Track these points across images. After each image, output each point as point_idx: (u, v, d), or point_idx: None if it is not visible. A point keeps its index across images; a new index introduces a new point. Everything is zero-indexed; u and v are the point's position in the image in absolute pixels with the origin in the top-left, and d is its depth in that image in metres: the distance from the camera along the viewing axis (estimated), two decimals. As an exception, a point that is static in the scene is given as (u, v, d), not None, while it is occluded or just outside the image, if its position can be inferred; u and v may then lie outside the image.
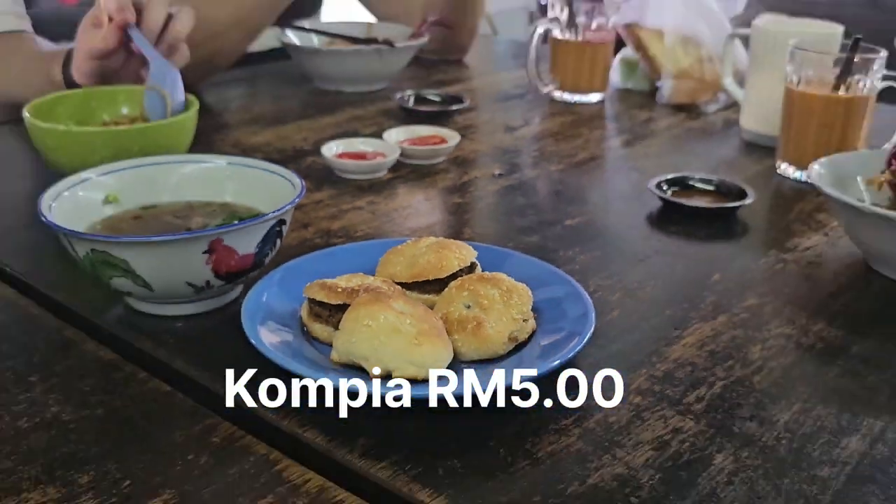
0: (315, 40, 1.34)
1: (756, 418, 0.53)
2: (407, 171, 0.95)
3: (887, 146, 0.87)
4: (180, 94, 0.90)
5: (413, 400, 0.51)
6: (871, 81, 0.91)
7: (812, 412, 0.54)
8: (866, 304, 0.69)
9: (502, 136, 1.10)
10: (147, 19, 0.90)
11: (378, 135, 1.01)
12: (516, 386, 0.51)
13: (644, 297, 0.69)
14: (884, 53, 0.91)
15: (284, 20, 1.35)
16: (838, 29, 1.03)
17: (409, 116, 1.14)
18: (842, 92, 0.91)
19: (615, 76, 1.31)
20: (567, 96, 1.24)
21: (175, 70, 0.90)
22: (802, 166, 0.93)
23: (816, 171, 0.76)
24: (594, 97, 1.24)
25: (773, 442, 0.51)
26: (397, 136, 1.00)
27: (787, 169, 0.96)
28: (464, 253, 0.63)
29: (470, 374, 0.53)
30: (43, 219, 0.61)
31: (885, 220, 0.68)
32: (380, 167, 0.94)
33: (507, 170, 0.97)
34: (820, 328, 0.64)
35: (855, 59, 0.90)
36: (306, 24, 1.40)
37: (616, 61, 1.32)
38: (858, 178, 0.79)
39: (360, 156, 0.94)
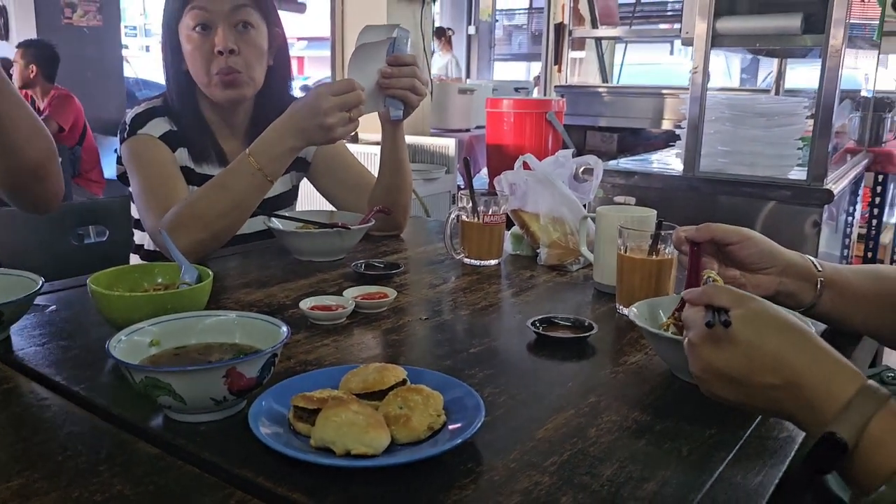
0: (292, 225, 1.42)
1: (589, 474, 0.65)
2: (360, 318, 1.06)
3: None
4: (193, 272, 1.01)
5: (367, 468, 0.62)
6: (671, 248, 1.06)
7: (626, 469, 0.66)
8: (668, 398, 0.82)
9: (427, 291, 1.21)
10: None
11: (339, 292, 1.12)
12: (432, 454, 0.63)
13: (522, 400, 0.80)
14: (676, 228, 1.07)
15: (270, 210, 1.47)
16: (653, 212, 1.20)
17: (361, 278, 1.24)
18: (654, 256, 1.07)
19: (508, 246, 1.46)
20: (473, 261, 1.36)
21: (194, 269, 1.00)
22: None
23: (633, 312, 0.90)
24: (493, 262, 1.36)
25: (599, 488, 0.63)
26: (352, 293, 1.11)
27: (622, 309, 1.09)
28: (398, 373, 0.75)
29: (404, 451, 0.65)
30: (111, 356, 0.71)
31: (673, 342, 0.82)
32: (340, 316, 1.04)
33: (431, 315, 1.08)
34: (636, 415, 0.77)
35: (661, 234, 1.07)
36: (286, 212, 1.52)
37: (508, 235, 1.46)
38: (661, 313, 0.94)
39: (327, 307, 1.04)
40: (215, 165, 1.48)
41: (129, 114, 1.45)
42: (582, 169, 1.55)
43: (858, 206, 2.96)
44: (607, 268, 1.18)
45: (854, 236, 2.97)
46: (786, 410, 0.64)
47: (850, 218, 2.82)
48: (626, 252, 1.08)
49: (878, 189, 3.07)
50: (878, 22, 3.16)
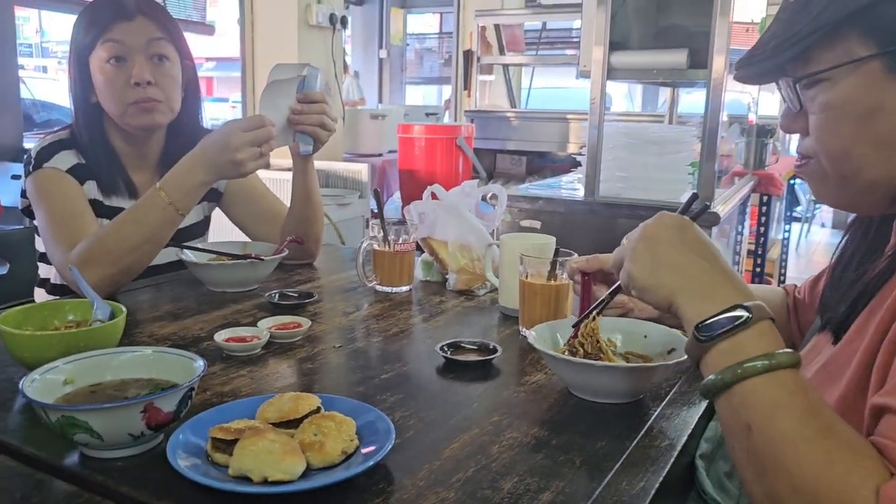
0: (205, 257, 1.44)
1: (491, 488, 0.70)
2: (275, 348, 1.08)
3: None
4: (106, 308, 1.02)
5: (284, 493, 0.65)
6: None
7: (524, 481, 0.72)
8: (565, 414, 0.89)
9: (341, 319, 1.25)
10: None
11: (254, 323, 1.14)
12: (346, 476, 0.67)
13: (430, 421, 0.85)
14: (575, 255, 1.16)
15: (182, 241, 1.48)
16: (552, 239, 1.28)
17: (275, 308, 1.26)
18: (552, 281, 1.15)
19: (419, 272, 1.52)
20: (385, 288, 1.41)
21: (106, 306, 1.01)
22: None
23: (532, 335, 0.97)
24: (404, 288, 1.42)
25: (500, 500, 0.68)
26: (267, 324, 1.14)
27: (524, 331, 1.16)
28: (312, 401, 0.79)
29: (319, 476, 0.69)
30: (25, 396, 0.72)
31: (568, 363, 0.90)
32: (255, 347, 1.06)
33: (345, 343, 1.12)
34: (535, 431, 0.83)
35: (558, 261, 1.15)
36: (198, 243, 1.53)
37: (418, 262, 1.52)
38: (558, 336, 1.01)
39: (242, 339, 1.06)
40: (125, 198, 1.48)
41: (35, 146, 1.43)
42: (490, 195, 1.63)
43: (746, 224, 3.18)
44: (511, 292, 1.25)
45: (744, 252, 3.18)
46: (693, 276, 0.74)
47: (739, 236, 3.02)
48: (527, 278, 1.16)
49: (764, 209, 3.30)
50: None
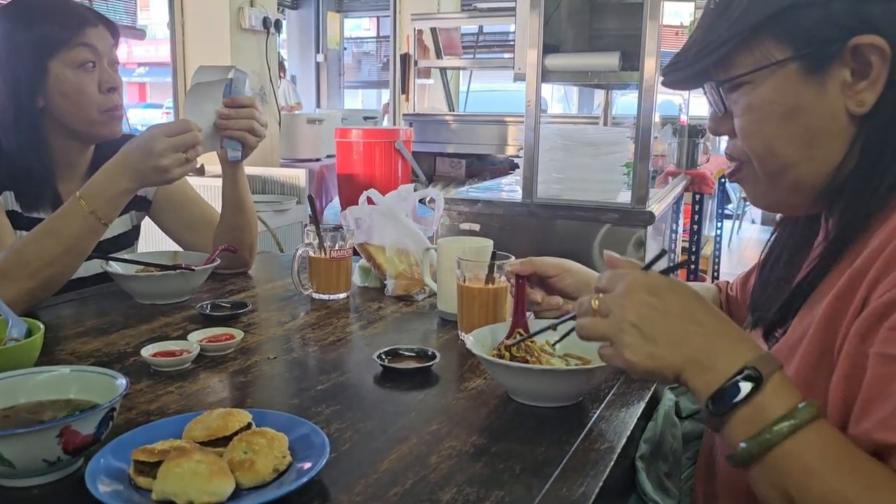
0: (132, 268, 1.38)
1: (429, 500, 0.68)
2: (206, 361, 1.04)
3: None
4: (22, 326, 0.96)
5: (209, 518, 0.62)
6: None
7: (464, 490, 0.70)
8: (504, 420, 0.87)
9: (276, 329, 1.21)
10: None
11: (184, 336, 1.10)
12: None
13: (367, 432, 0.83)
14: (512, 258, 1.15)
15: (109, 252, 1.42)
16: (489, 242, 1.27)
17: (207, 320, 1.22)
18: (490, 284, 1.14)
19: (356, 278, 1.49)
20: (322, 296, 1.38)
21: (22, 323, 0.96)
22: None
23: (470, 340, 0.96)
24: (341, 295, 1.39)
25: (439, 512, 0.67)
26: (197, 336, 1.10)
27: (463, 336, 1.15)
28: (242, 417, 0.75)
29: (250, 496, 0.66)
30: (-72, 426, 0.67)
31: (506, 367, 0.88)
32: (185, 361, 1.02)
33: (280, 354, 1.09)
34: (475, 439, 0.81)
35: (495, 264, 1.14)
36: (125, 254, 1.47)
37: (356, 268, 1.50)
38: (498, 339, 1.00)
39: (171, 353, 1.02)
40: (48, 209, 1.41)
41: (-55, 156, 1.35)
42: (428, 198, 1.61)
43: (681, 223, 3.24)
44: (450, 297, 1.23)
45: (678, 250, 3.24)
46: (692, 346, 0.68)
47: (673, 234, 3.08)
48: (464, 282, 1.14)
49: (697, 207, 3.38)
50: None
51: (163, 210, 1.61)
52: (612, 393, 0.95)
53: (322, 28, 8.93)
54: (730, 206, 6.58)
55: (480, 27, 6.73)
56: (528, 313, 1.04)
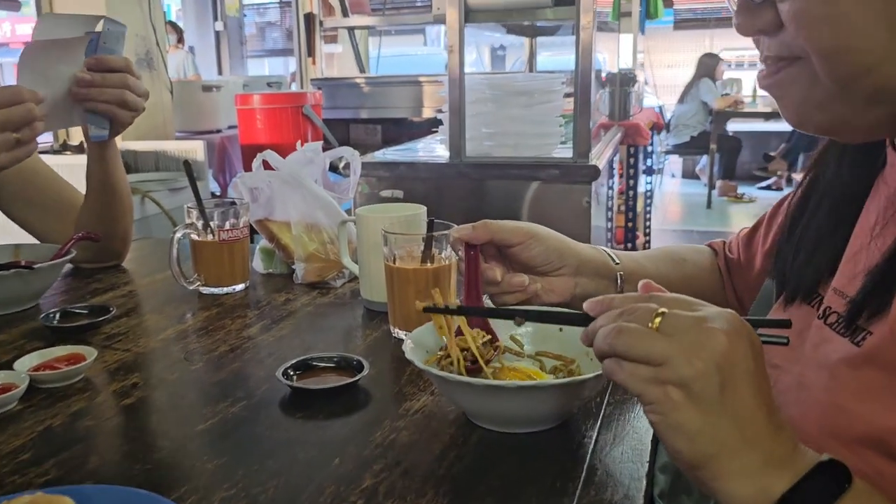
0: None
1: None
2: (40, 398, 0.74)
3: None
4: None
5: None
6: (449, 251, 0.87)
7: None
8: (472, 459, 0.60)
9: (147, 341, 0.91)
10: None
11: (10, 364, 0.79)
12: None
13: (264, 499, 0.56)
14: (454, 227, 0.88)
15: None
16: (422, 209, 1.00)
17: (54, 335, 0.92)
18: (428, 263, 0.87)
19: (257, 264, 1.20)
20: (213, 290, 1.08)
21: None
22: (410, 328, 0.86)
23: (409, 347, 0.69)
24: (238, 287, 1.10)
25: None
26: (31, 363, 0.79)
27: (398, 332, 0.88)
28: (53, 512, 0.47)
29: None
30: None
31: (469, 387, 0.62)
32: (9, 400, 0.73)
33: (145, 379, 0.80)
34: (429, 497, 0.55)
35: (433, 236, 0.87)
36: (-49, 252, 1.13)
37: (256, 251, 1.21)
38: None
39: None
40: None
41: None
42: (343, 164, 1.33)
43: (616, 178, 3.04)
44: (375, 281, 0.97)
45: (615, 209, 3.05)
46: (757, 434, 0.47)
47: (609, 191, 2.88)
48: (394, 262, 0.87)
49: (631, 161, 3.19)
50: (611, 7, 3.29)
51: (9, 196, 1.26)
52: (605, 404, 0.70)
53: (218, -7, 8.37)
54: (649, 161, 6.50)
55: (388, -15, 6.36)
56: (483, 297, 0.77)
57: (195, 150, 3.27)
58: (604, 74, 3.41)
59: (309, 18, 5.04)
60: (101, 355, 0.84)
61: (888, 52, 0.49)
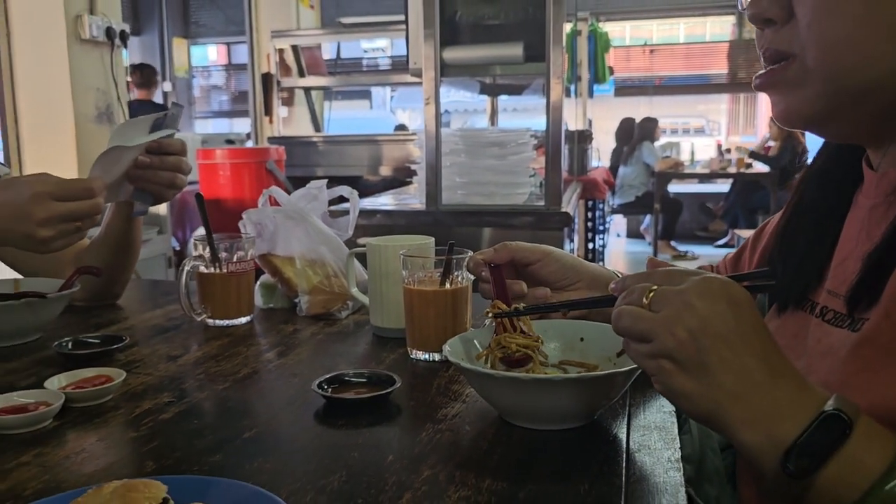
0: None
1: (468, 586, 0.46)
2: (75, 415, 0.76)
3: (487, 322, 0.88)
4: None
5: None
6: (466, 274, 0.93)
7: (510, 565, 0.48)
8: (515, 453, 0.65)
9: (167, 365, 0.93)
10: None
11: (39, 384, 0.81)
12: None
13: (331, 490, 0.59)
14: (470, 252, 0.94)
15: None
16: (430, 239, 1.06)
17: (69, 361, 0.93)
18: (447, 286, 0.92)
19: (258, 300, 1.23)
20: (220, 322, 1.10)
21: None
22: (429, 349, 0.91)
23: (448, 350, 0.74)
24: (243, 320, 1.12)
25: None
26: (59, 383, 0.81)
27: (417, 353, 0.93)
28: (153, 491, 0.49)
29: None
30: None
31: (509, 379, 0.67)
32: (45, 417, 0.73)
33: (178, 396, 0.82)
34: (489, 484, 0.59)
35: (453, 259, 0.92)
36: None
37: (256, 287, 1.23)
38: (477, 344, 0.79)
39: (21, 409, 0.74)
40: None
41: None
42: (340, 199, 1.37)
43: (576, 236, 3.16)
44: (387, 308, 1.02)
45: (575, 260, 3.15)
46: (753, 384, 0.52)
47: (572, 244, 2.98)
48: (414, 285, 0.92)
49: (590, 214, 3.32)
50: (567, 70, 3.48)
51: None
52: (630, 399, 0.75)
53: (168, 55, 8.42)
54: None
55: (338, 45, 6.51)
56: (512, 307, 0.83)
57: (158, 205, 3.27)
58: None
59: (266, 78, 5.13)
60: (126, 378, 0.85)
61: (883, 54, 0.56)
